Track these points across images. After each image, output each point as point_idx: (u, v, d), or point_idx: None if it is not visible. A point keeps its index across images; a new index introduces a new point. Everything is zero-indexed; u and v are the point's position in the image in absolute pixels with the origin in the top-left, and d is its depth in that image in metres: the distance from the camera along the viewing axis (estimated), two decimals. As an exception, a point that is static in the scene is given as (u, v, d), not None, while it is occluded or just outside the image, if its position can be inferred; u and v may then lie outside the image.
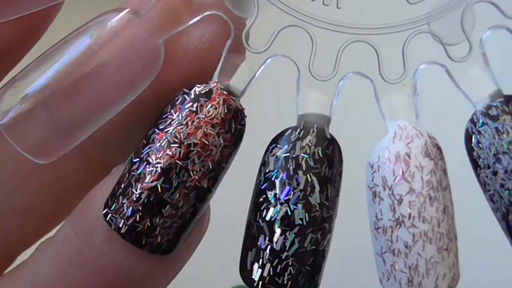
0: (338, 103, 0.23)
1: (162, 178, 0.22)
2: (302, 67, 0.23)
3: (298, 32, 0.23)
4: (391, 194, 0.23)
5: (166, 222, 0.22)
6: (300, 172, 0.22)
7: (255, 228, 0.23)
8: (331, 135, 0.23)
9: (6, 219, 0.24)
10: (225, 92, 0.22)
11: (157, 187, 0.22)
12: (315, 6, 0.23)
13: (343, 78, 0.23)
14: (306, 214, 0.22)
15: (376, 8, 0.23)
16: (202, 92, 0.22)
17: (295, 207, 0.22)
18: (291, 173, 0.22)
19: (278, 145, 0.23)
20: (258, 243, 0.22)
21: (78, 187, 0.24)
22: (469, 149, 0.23)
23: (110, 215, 0.22)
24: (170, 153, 0.22)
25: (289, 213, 0.22)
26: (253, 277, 0.23)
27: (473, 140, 0.23)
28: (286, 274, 0.22)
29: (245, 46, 0.23)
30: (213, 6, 0.22)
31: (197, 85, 0.22)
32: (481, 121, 0.23)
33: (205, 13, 0.22)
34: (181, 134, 0.22)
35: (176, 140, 0.22)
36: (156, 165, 0.22)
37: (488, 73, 0.23)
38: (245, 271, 0.23)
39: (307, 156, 0.22)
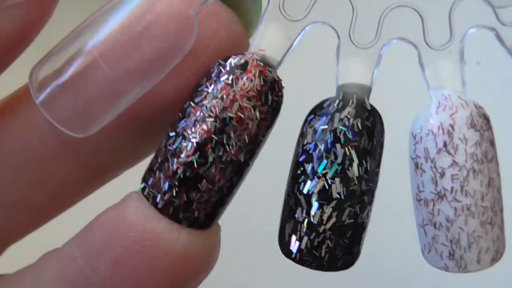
0: (380, 71, 0.22)
1: (198, 153, 0.21)
2: (342, 34, 0.22)
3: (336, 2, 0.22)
4: (433, 166, 0.22)
5: (202, 197, 0.22)
6: (338, 145, 0.22)
7: (293, 200, 0.22)
8: (371, 105, 0.22)
9: None
10: (261, 63, 0.22)
11: (193, 162, 0.22)
12: (356, -29, 0.22)
13: (386, 45, 0.22)
14: (344, 188, 0.22)
15: (421, -29, 0.22)
16: (238, 63, 0.22)
17: (333, 181, 0.22)
18: (329, 146, 0.22)
19: (316, 116, 0.22)
20: (296, 215, 0.22)
21: (70, 187, 0.24)
22: None
23: (147, 189, 0.22)
24: (206, 127, 0.21)
25: (327, 187, 0.22)
26: (291, 248, 0.22)
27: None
28: (323, 247, 0.22)
29: (282, 14, 0.22)
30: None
31: (233, 56, 0.22)
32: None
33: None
34: (217, 108, 0.21)
35: (212, 114, 0.21)
36: (192, 140, 0.22)
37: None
38: (283, 242, 0.23)
39: (345, 129, 0.22)
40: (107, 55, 0.21)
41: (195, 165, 0.22)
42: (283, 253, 0.23)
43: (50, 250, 0.23)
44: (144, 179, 0.22)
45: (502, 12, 0.22)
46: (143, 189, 0.22)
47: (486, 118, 0.22)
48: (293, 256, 0.23)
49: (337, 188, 0.22)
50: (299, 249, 0.22)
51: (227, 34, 0.22)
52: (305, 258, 0.22)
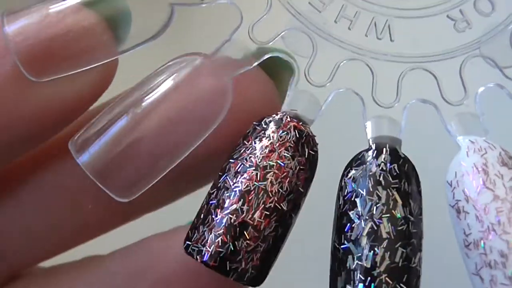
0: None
1: (242, 200, 0.21)
2: (365, 97, 0.24)
3: (355, 67, 0.24)
4: (475, 205, 0.22)
5: (249, 246, 0.21)
6: (379, 188, 0.22)
7: (341, 251, 0.22)
8: (404, 154, 0.23)
9: None
10: (295, 120, 0.23)
11: (237, 209, 0.21)
12: (369, 41, 0.24)
13: (406, 106, 0.24)
14: (392, 228, 0.21)
15: (427, 38, 0.24)
16: (273, 120, 0.23)
17: (380, 221, 0.21)
18: (371, 189, 0.22)
19: (353, 168, 0.23)
20: (347, 265, 0.21)
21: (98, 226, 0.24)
22: None
23: (191, 246, 0.21)
24: (248, 176, 0.22)
25: (375, 228, 0.21)
26: (346, 302, 0.21)
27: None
28: (381, 292, 0.21)
29: (308, 81, 0.23)
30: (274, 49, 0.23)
31: (266, 117, 0.23)
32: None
33: (267, 55, 0.23)
34: (257, 158, 0.22)
35: (252, 164, 0.22)
36: (235, 189, 0.21)
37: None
38: (336, 300, 0.21)
39: (384, 172, 0.22)
40: (149, 131, 0.22)
41: (240, 212, 0.21)
42: (337, 312, 0.21)
43: (94, 256, 0.22)
44: (188, 238, 0.22)
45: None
46: (187, 247, 0.21)
47: (514, 160, 0.23)
48: (349, 310, 0.21)
49: (385, 228, 0.21)
50: (355, 299, 0.21)
51: (265, 99, 0.23)
52: (363, 309, 0.21)
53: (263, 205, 0.21)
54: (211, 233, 0.21)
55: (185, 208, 0.24)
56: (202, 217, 0.22)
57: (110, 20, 0.22)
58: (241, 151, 0.22)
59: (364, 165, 0.22)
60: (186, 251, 0.21)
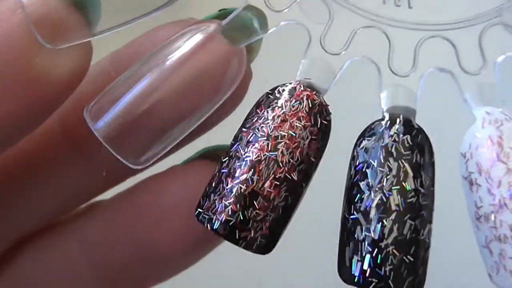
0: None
1: (252, 170, 0.21)
2: (381, 65, 0.23)
3: (372, 34, 0.23)
4: (488, 178, 0.22)
5: (258, 215, 0.21)
6: (391, 159, 0.22)
7: (350, 221, 0.22)
8: (418, 125, 0.23)
9: None
10: (308, 89, 0.23)
11: (248, 179, 0.21)
12: (388, 8, 0.24)
13: (423, 75, 0.23)
14: (402, 200, 0.21)
15: (446, 5, 0.24)
16: (286, 89, 0.23)
17: (390, 193, 0.21)
18: (382, 160, 0.22)
19: (365, 138, 0.22)
20: (355, 235, 0.22)
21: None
22: None
23: (202, 214, 0.22)
24: (259, 146, 0.22)
25: (384, 200, 0.21)
26: (353, 273, 0.21)
27: None
28: (387, 264, 0.21)
29: (323, 49, 0.23)
30: (289, 15, 0.23)
31: (279, 85, 0.23)
32: None
33: (282, 22, 0.23)
34: (268, 127, 0.22)
35: (264, 134, 0.22)
36: (245, 159, 0.22)
37: None
38: (344, 269, 0.22)
39: (396, 144, 0.22)
40: (165, 96, 0.22)
41: (250, 182, 0.21)
42: (345, 281, 0.22)
43: (97, 201, 0.25)
44: (199, 205, 0.22)
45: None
46: (198, 215, 0.22)
47: (530, 133, 0.23)
48: (356, 280, 0.21)
49: (394, 200, 0.21)
50: (361, 270, 0.21)
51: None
52: (369, 280, 0.21)
53: (273, 175, 0.21)
54: (221, 202, 0.21)
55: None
56: (213, 185, 0.22)
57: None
58: (254, 120, 0.22)
59: (376, 136, 0.22)
60: (197, 218, 0.22)
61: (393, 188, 0.22)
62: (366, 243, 0.21)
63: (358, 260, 0.21)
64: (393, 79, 0.23)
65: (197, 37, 0.22)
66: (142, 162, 0.22)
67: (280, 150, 0.22)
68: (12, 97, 0.22)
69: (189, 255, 0.25)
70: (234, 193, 0.21)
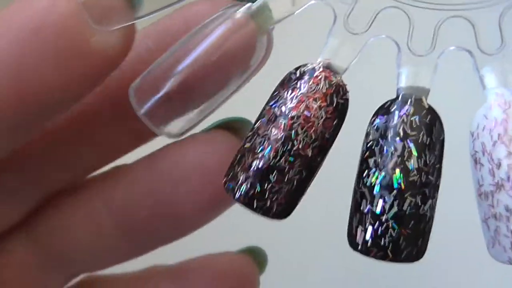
0: (441, 78, 0.24)
1: (270, 147, 0.24)
2: (401, 45, 0.25)
3: (394, 14, 0.25)
4: (490, 158, 0.23)
5: (274, 187, 0.24)
6: (397, 139, 0.24)
7: (358, 194, 0.24)
8: (429, 105, 0.24)
9: None
10: (327, 69, 0.25)
11: (265, 155, 0.24)
12: (410, -12, 0.25)
13: (442, 53, 0.24)
14: (404, 178, 0.23)
15: (469, -15, 0.24)
16: (306, 70, 0.25)
17: (393, 171, 0.24)
18: (389, 140, 0.24)
19: (378, 117, 0.24)
20: (361, 208, 0.24)
21: None
22: None
23: (227, 183, 0.25)
24: (277, 124, 0.24)
25: (387, 178, 0.24)
26: (356, 241, 0.24)
27: None
28: (387, 236, 0.24)
29: (346, 29, 0.25)
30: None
31: (302, 65, 0.25)
32: None
33: (310, 2, 0.25)
34: (286, 108, 0.24)
35: (282, 113, 0.24)
36: (264, 136, 0.24)
37: None
38: (351, 236, 0.24)
39: (404, 124, 0.24)
40: (202, 76, 0.25)
41: (267, 158, 0.24)
42: (351, 246, 0.24)
43: (119, 165, 0.30)
44: (226, 174, 0.25)
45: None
46: (224, 182, 0.25)
47: (540, 115, 0.24)
48: (359, 247, 0.24)
49: (397, 178, 0.24)
50: (364, 240, 0.24)
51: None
52: (370, 249, 0.24)
53: (288, 152, 0.24)
54: (242, 174, 0.24)
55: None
56: (238, 158, 0.25)
57: None
58: (276, 99, 0.25)
59: (387, 115, 0.24)
60: (224, 185, 0.25)
61: (396, 167, 0.24)
62: (369, 216, 0.24)
63: (362, 230, 0.24)
64: (412, 58, 0.25)
65: (228, 24, 0.25)
66: (180, 134, 0.25)
67: (295, 129, 0.24)
68: (72, 70, 0.25)
69: (204, 215, 0.28)
70: (253, 167, 0.24)
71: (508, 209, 0.23)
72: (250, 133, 0.25)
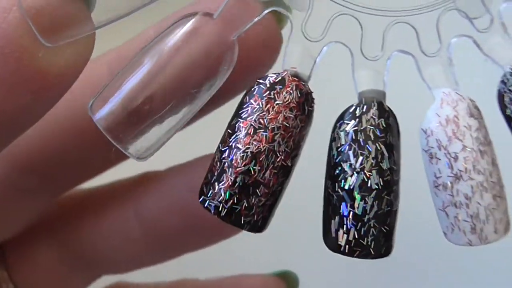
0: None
1: (254, 161, 0.24)
2: (354, 50, 0.26)
3: (346, 20, 0.25)
4: (446, 153, 0.26)
5: (260, 201, 0.24)
6: (369, 142, 0.25)
7: (335, 197, 0.25)
8: (388, 107, 0.26)
9: None
10: (295, 78, 0.25)
11: (250, 170, 0.24)
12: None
13: (390, 57, 0.26)
14: (380, 179, 0.25)
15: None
16: (276, 80, 0.24)
17: (370, 173, 0.25)
18: (362, 144, 0.25)
19: (345, 121, 0.25)
20: (341, 211, 0.25)
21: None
22: (503, 108, 0.26)
23: (207, 201, 0.24)
24: (258, 138, 0.24)
25: (366, 180, 0.25)
26: (339, 242, 0.25)
27: (506, 98, 0.26)
28: (369, 235, 0.25)
29: (305, 36, 0.25)
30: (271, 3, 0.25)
31: (270, 75, 0.25)
32: (511, 80, 0.26)
33: (266, 11, 0.25)
34: (265, 120, 0.24)
35: (261, 126, 0.24)
36: (246, 150, 0.24)
37: (509, 39, 0.27)
38: (329, 238, 0.25)
39: (373, 128, 0.25)
40: (162, 84, 0.23)
41: (252, 172, 0.24)
42: (330, 248, 0.25)
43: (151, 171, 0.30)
44: (202, 193, 0.24)
45: (477, 21, 0.26)
46: (203, 202, 0.24)
47: (478, 109, 0.26)
48: (341, 249, 0.25)
49: (374, 180, 0.25)
50: (347, 241, 0.25)
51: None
52: (354, 249, 0.25)
53: (272, 165, 0.24)
54: (226, 191, 0.24)
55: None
56: (216, 174, 0.24)
57: None
58: (249, 111, 0.24)
59: (355, 120, 0.25)
60: (202, 205, 0.24)
61: (373, 169, 0.25)
62: (351, 218, 0.25)
63: (344, 233, 0.25)
64: (365, 63, 0.26)
65: (188, 30, 0.24)
66: (143, 153, 0.24)
67: (277, 141, 0.24)
68: (16, 93, 0.22)
69: (229, 229, 0.27)
70: (238, 182, 0.24)
71: (467, 197, 0.25)
72: (227, 148, 0.24)
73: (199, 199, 0.24)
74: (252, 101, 0.24)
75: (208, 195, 0.24)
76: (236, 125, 0.24)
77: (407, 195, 0.26)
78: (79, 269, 0.30)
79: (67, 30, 0.22)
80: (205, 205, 0.24)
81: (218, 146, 0.24)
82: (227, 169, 0.24)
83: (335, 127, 0.25)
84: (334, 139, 0.25)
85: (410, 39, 0.26)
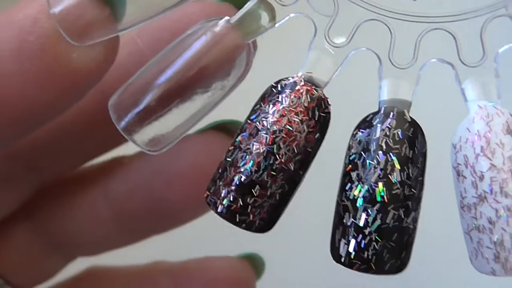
0: (423, 89, 0.24)
1: (252, 162, 0.24)
2: (382, 57, 0.25)
3: (375, 26, 0.25)
4: (472, 171, 0.23)
5: (256, 202, 0.24)
6: (380, 153, 0.24)
7: (341, 207, 0.24)
8: (411, 118, 0.24)
9: None
10: (308, 83, 0.24)
11: (247, 170, 0.24)
12: (391, 1, 0.24)
13: (424, 65, 0.24)
14: (387, 192, 0.23)
15: (452, -3, 0.24)
16: (288, 84, 0.25)
17: (376, 185, 0.23)
18: (372, 153, 0.24)
19: (360, 130, 0.24)
20: (344, 221, 0.24)
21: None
22: None
23: (209, 197, 0.25)
24: (259, 139, 0.24)
25: (370, 191, 0.24)
26: (340, 253, 0.24)
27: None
28: (370, 249, 0.23)
29: (328, 42, 0.25)
30: (296, 8, 0.25)
31: (283, 78, 0.25)
32: None
33: (290, 15, 0.25)
34: (268, 122, 0.24)
35: (264, 128, 0.24)
36: (246, 151, 0.24)
37: None
38: (334, 248, 0.24)
39: (387, 138, 0.24)
40: (183, 87, 0.25)
41: (250, 173, 0.24)
42: (334, 259, 0.24)
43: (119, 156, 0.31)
44: (208, 188, 0.25)
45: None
46: (206, 197, 0.25)
47: (522, 127, 0.24)
48: (342, 260, 0.24)
49: (380, 192, 0.23)
50: (347, 252, 0.24)
51: None
52: (354, 261, 0.24)
53: (270, 167, 0.24)
54: (225, 188, 0.24)
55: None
56: (220, 172, 0.25)
57: None
58: (257, 113, 0.25)
59: (370, 129, 0.24)
60: (206, 199, 0.25)
61: (379, 180, 0.24)
62: (352, 229, 0.24)
63: (345, 243, 0.24)
64: (394, 71, 0.24)
65: (209, 35, 0.25)
66: (162, 149, 0.25)
67: (278, 144, 0.24)
68: (53, 89, 0.25)
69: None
70: (235, 181, 0.24)
71: (491, 221, 0.23)
72: (232, 147, 0.25)
73: (205, 194, 0.25)
74: (262, 103, 0.25)
75: (211, 191, 0.25)
76: (244, 127, 0.25)
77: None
78: (53, 251, 0.31)
79: (95, 32, 0.25)
80: (207, 200, 0.25)
81: (229, 147, 0.25)
82: (228, 168, 0.25)
83: (352, 135, 0.25)
84: (349, 147, 0.25)
85: (444, 48, 0.24)
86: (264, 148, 0.24)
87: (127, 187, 0.30)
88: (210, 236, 0.30)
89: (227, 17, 0.25)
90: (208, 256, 0.31)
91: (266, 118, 0.24)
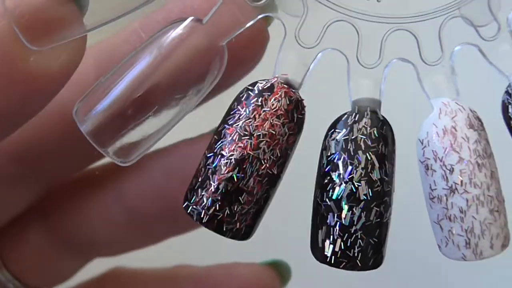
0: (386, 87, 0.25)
1: (237, 168, 0.24)
2: (350, 57, 0.25)
3: (342, 26, 0.25)
4: (442, 165, 0.25)
5: (243, 209, 0.24)
6: (360, 152, 0.24)
7: (323, 207, 0.24)
8: (383, 116, 0.25)
9: None
10: (285, 86, 0.24)
11: (233, 177, 0.24)
12: (358, 2, 0.25)
13: (388, 65, 0.25)
14: (369, 190, 0.24)
15: (413, -1, 0.25)
16: (265, 87, 0.24)
17: (359, 184, 0.24)
18: (352, 153, 0.24)
19: (336, 130, 0.25)
20: (328, 221, 0.24)
21: None
22: (507, 119, 0.25)
23: (190, 207, 0.24)
24: (242, 145, 0.24)
25: (354, 190, 0.24)
26: (325, 253, 0.24)
27: (510, 109, 0.25)
28: (356, 247, 0.24)
29: (298, 42, 0.25)
30: (265, 9, 0.24)
31: (259, 81, 0.24)
32: (516, 91, 0.25)
33: (259, 16, 0.24)
34: (250, 126, 0.24)
35: (246, 133, 0.24)
36: (230, 157, 0.24)
37: (516, 48, 0.26)
38: (316, 249, 0.25)
39: (364, 137, 0.24)
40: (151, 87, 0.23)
41: (235, 179, 0.24)
42: (317, 259, 0.25)
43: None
44: (186, 199, 0.24)
45: (483, 29, 0.25)
46: (186, 207, 0.24)
47: (480, 120, 0.25)
48: (328, 260, 0.24)
49: (363, 190, 0.24)
50: (333, 252, 0.24)
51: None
52: (340, 260, 0.24)
53: (256, 172, 0.24)
54: (209, 198, 0.24)
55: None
56: (200, 180, 0.24)
57: None
58: (235, 118, 0.24)
59: (346, 129, 0.25)
60: (186, 211, 0.24)
61: (362, 179, 0.24)
62: (337, 228, 0.24)
63: (330, 243, 0.24)
64: (362, 70, 0.25)
65: (177, 35, 0.24)
66: (127, 158, 0.24)
67: (262, 148, 0.24)
68: (7, 95, 0.23)
69: None
70: (221, 189, 0.24)
71: (462, 211, 0.25)
72: (211, 154, 0.24)
73: (183, 204, 0.24)
74: (239, 107, 0.24)
75: (192, 201, 0.24)
76: (222, 132, 0.24)
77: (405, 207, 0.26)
78: (69, 252, 0.31)
79: (58, 32, 0.22)
80: (188, 211, 0.24)
81: (205, 153, 0.24)
82: (210, 176, 0.24)
83: (326, 135, 0.25)
84: (325, 147, 0.25)
85: (410, 47, 0.25)
86: (250, 153, 0.24)
87: (138, 190, 0.29)
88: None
89: (195, 17, 0.24)
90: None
91: (248, 122, 0.24)
